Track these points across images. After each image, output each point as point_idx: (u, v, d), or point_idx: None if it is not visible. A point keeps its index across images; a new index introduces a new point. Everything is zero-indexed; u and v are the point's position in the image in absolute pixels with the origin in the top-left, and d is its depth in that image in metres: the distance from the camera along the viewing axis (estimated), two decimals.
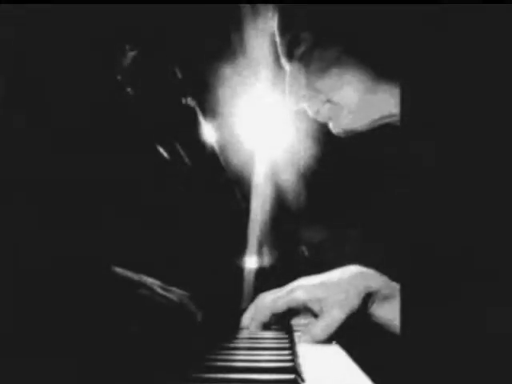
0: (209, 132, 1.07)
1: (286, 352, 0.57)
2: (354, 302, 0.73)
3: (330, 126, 0.70)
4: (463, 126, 0.34)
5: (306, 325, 0.81)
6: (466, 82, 0.35)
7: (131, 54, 0.59)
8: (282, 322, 0.85)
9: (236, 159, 1.33)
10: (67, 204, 0.39)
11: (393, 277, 0.77)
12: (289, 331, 0.80)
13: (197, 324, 0.66)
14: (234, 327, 0.81)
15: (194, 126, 0.99)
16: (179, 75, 0.86)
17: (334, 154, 1.55)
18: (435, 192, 0.34)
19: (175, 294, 0.59)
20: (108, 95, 0.53)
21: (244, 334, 0.77)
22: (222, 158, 1.18)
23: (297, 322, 0.95)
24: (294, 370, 0.46)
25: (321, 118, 0.70)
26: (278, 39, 0.69)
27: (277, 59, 0.71)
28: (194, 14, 1.08)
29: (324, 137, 1.43)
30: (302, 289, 0.77)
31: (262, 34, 0.96)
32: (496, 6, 0.34)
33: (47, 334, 0.32)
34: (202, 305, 0.67)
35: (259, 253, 1.44)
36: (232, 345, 0.65)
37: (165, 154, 0.71)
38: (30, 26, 0.37)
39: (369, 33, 0.61)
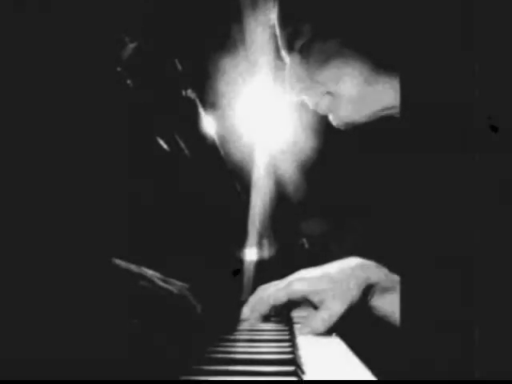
0: (209, 124, 1.06)
1: (286, 344, 0.57)
2: (354, 294, 0.73)
3: (330, 117, 0.70)
4: (463, 116, 0.34)
5: (306, 317, 0.81)
6: (465, 72, 0.35)
7: (131, 45, 0.59)
8: (282, 314, 0.86)
9: (236, 151, 1.33)
10: (67, 196, 0.39)
11: (393, 269, 0.77)
12: (289, 323, 0.80)
13: (197, 316, 0.66)
14: (234, 319, 0.81)
15: (194, 118, 0.99)
16: (179, 67, 0.85)
17: (335, 146, 1.54)
18: (435, 183, 0.34)
19: (175, 285, 0.59)
20: (108, 87, 0.53)
21: (244, 326, 0.77)
22: (222, 150, 1.18)
23: (297, 314, 0.96)
24: (294, 361, 0.46)
25: (321, 110, 0.70)
26: (278, 31, 0.69)
27: (277, 51, 0.71)
28: (195, 6, 1.08)
29: (324, 129, 1.43)
30: (302, 281, 0.77)
31: (262, 26, 0.95)
32: None
33: (47, 325, 0.32)
34: (201, 297, 0.67)
35: (259, 245, 1.44)
36: (232, 337, 0.65)
37: (165, 146, 0.71)
38: (27, 16, 0.37)
39: (368, 24, 0.61)
